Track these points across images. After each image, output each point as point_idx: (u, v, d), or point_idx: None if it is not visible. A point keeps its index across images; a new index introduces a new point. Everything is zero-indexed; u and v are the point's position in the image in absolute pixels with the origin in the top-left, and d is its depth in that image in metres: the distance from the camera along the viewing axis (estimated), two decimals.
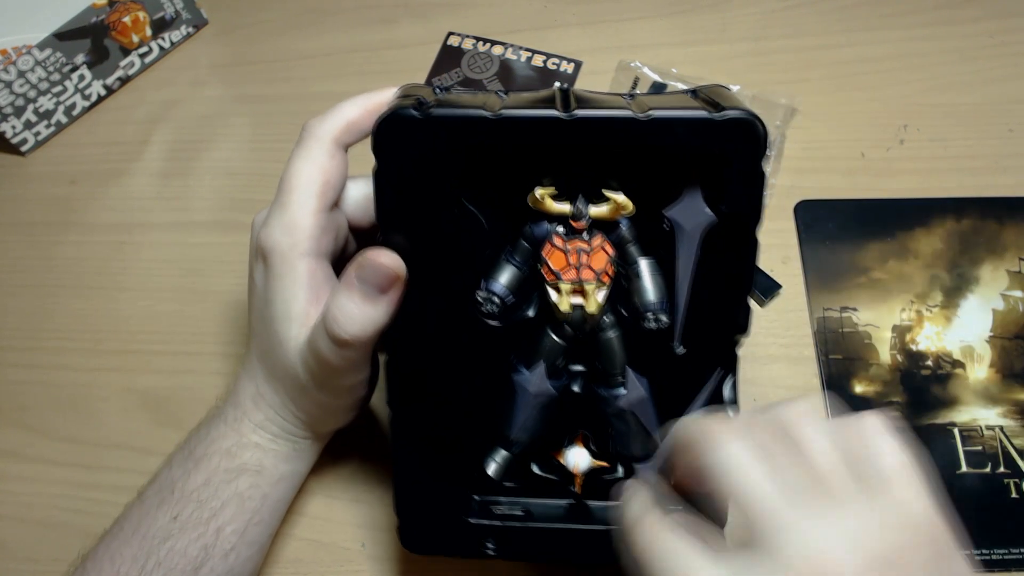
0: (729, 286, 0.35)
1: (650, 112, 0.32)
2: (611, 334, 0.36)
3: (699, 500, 0.31)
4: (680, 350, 0.36)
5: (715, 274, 0.35)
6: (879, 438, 0.28)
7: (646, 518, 0.30)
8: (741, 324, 0.35)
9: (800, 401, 0.30)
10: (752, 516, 0.27)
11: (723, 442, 0.28)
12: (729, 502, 0.28)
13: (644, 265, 0.36)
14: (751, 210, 0.33)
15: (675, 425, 0.31)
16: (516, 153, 0.33)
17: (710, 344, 0.36)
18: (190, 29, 0.66)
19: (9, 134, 0.59)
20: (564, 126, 0.32)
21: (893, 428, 0.29)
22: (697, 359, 0.36)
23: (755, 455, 0.27)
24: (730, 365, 0.36)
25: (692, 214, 0.34)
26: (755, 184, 0.33)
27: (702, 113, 0.32)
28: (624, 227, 0.35)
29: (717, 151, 0.32)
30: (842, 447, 0.28)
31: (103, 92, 0.63)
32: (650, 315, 0.35)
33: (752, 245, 0.34)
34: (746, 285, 0.35)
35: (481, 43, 0.63)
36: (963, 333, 0.48)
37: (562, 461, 0.38)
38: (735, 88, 0.58)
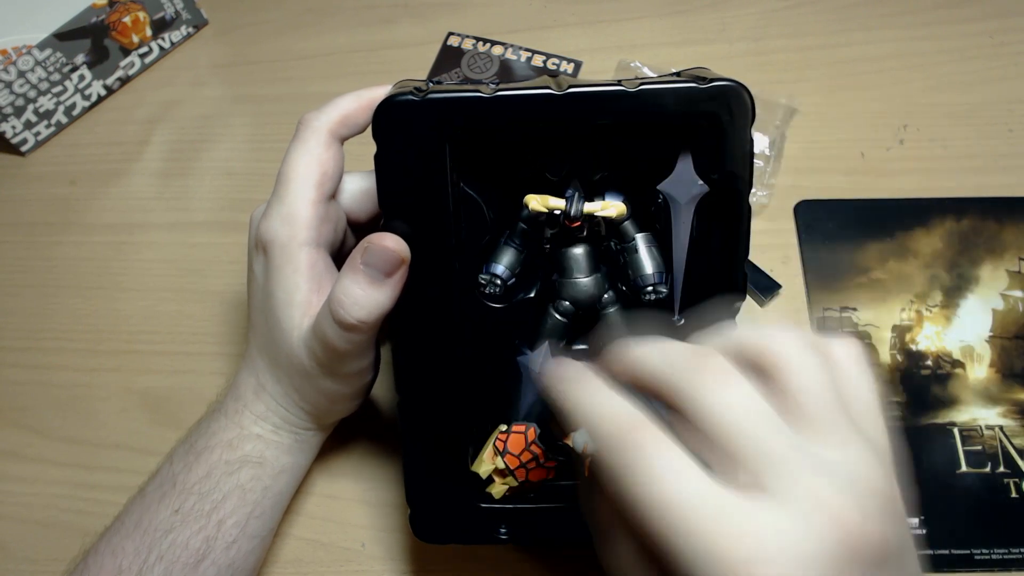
0: (724, 253, 0.35)
1: (640, 86, 0.32)
2: (612, 310, 0.37)
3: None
4: (680, 321, 0.36)
5: (710, 243, 0.35)
6: (857, 368, 0.26)
7: (644, 428, 0.24)
8: (739, 290, 0.35)
9: (784, 328, 0.26)
10: (750, 461, 0.23)
11: (714, 386, 0.25)
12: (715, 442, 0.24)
13: (641, 240, 0.36)
14: (742, 176, 0.34)
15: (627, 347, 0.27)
16: (512, 131, 0.34)
17: (709, 312, 0.36)
18: (190, 29, 0.66)
19: (9, 134, 0.59)
20: (558, 101, 0.32)
21: (865, 358, 0.27)
22: (697, 329, 0.36)
23: (749, 398, 0.24)
24: None
25: (685, 186, 0.34)
26: (745, 150, 0.33)
27: (691, 84, 0.33)
28: None
29: (706, 119, 0.33)
30: (827, 377, 0.25)
31: (103, 92, 0.63)
32: (649, 288, 0.36)
33: (745, 211, 0.34)
34: (741, 251, 0.35)
35: (481, 43, 0.63)
36: (963, 333, 0.48)
37: (569, 443, 0.38)
38: None
